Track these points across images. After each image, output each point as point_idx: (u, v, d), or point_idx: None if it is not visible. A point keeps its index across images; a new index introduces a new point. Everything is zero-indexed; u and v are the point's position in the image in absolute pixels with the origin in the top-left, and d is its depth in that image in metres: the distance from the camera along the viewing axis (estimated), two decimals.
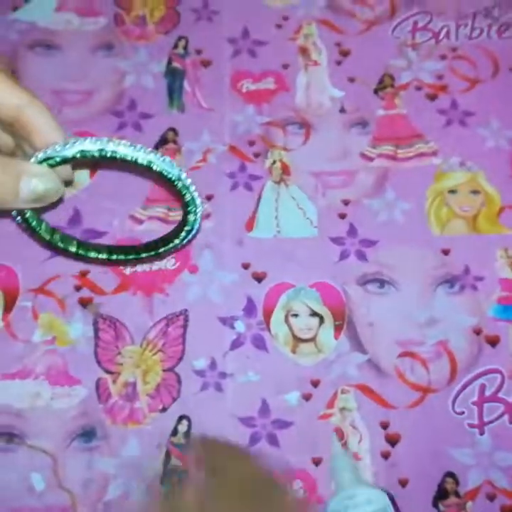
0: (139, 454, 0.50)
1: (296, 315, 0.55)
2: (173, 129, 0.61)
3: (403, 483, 0.50)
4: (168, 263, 0.56)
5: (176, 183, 0.39)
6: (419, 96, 0.63)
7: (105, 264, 0.55)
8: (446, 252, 0.57)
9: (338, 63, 0.65)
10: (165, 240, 0.45)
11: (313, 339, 0.54)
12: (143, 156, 0.37)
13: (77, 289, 0.55)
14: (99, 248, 0.46)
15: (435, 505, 0.50)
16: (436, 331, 0.54)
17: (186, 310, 0.55)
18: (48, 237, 0.43)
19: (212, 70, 0.64)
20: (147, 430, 0.51)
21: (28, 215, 0.40)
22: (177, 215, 0.57)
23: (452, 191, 0.59)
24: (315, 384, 0.53)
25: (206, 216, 0.57)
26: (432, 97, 0.63)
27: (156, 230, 0.56)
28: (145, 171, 0.38)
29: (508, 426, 0.52)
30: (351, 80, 0.64)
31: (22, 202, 0.37)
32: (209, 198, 0.58)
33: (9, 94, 0.37)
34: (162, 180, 0.38)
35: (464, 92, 0.63)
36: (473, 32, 0.67)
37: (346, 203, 0.59)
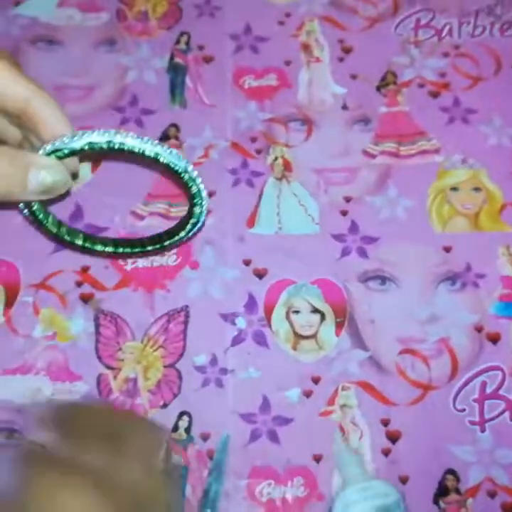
0: None
1: (297, 311, 0.55)
2: (175, 125, 0.61)
3: (404, 480, 0.50)
4: (170, 259, 0.56)
5: (182, 175, 0.39)
6: (421, 93, 0.63)
7: (111, 257, 0.55)
8: (447, 250, 0.57)
9: (341, 60, 0.65)
10: (170, 232, 0.45)
11: (314, 336, 0.54)
12: (150, 148, 0.37)
13: (78, 284, 0.55)
14: (105, 241, 0.46)
15: (436, 502, 0.49)
16: (438, 328, 0.54)
17: (187, 306, 0.55)
18: (54, 230, 0.43)
19: (215, 66, 0.64)
20: None
21: (35, 207, 0.40)
22: (178, 211, 0.57)
23: (454, 189, 0.59)
24: (316, 381, 0.53)
25: (208, 212, 0.57)
26: (435, 95, 0.63)
27: (157, 226, 0.56)
28: (152, 163, 0.38)
29: (509, 423, 0.52)
30: (353, 76, 0.64)
31: (30, 194, 0.37)
32: (210, 194, 0.58)
33: (16, 87, 0.37)
34: (169, 172, 0.38)
35: (466, 89, 0.63)
36: (476, 30, 0.66)
37: (348, 199, 0.59)
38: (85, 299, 0.55)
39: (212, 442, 0.51)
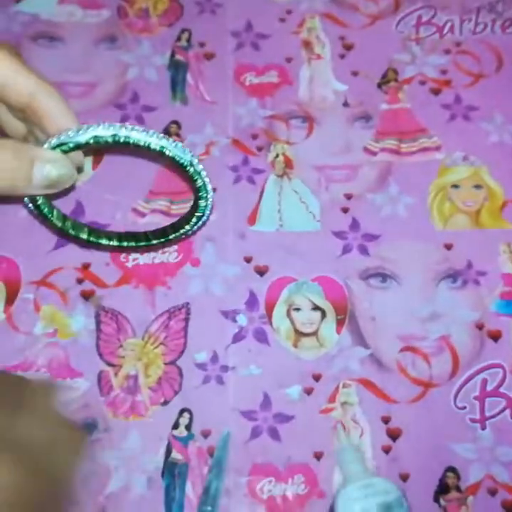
0: (140, 446, 0.50)
1: (298, 309, 0.55)
2: (176, 122, 0.61)
3: (404, 477, 0.50)
4: (171, 256, 0.56)
5: (187, 168, 0.39)
6: (422, 90, 0.63)
7: (116, 251, 0.55)
8: (448, 247, 0.57)
9: (342, 57, 0.65)
10: (175, 226, 0.45)
11: (315, 333, 0.54)
12: (155, 141, 0.37)
13: (79, 281, 0.55)
14: (110, 235, 0.46)
15: (436, 499, 0.50)
16: (439, 325, 0.54)
17: (188, 303, 0.55)
18: (59, 224, 0.43)
19: (216, 62, 0.64)
20: (149, 423, 0.51)
21: (40, 201, 0.40)
22: (179, 209, 0.57)
23: (455, 186, 0.59)
24: (317, 378, 0.53)
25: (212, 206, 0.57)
26: (436, 92, 0.63)
27: (159, 223, 0.56)
28: (157, 156, 0.37)
29: (509, 421, 0.52)
30: (355, 73, 0.64)
31: (35, 188, 0.36)
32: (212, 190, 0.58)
33: (21, 80, 0.37)
34: (174, 165, 0.38)
35: (467, 86, 0.63)
36: (477, 27, 0.66)
37: (349, 197, 0.58)
38: (86, 296, 0.55)
39: (212, 439, 0.51)
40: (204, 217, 0.43)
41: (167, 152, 0.38)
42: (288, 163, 0.60)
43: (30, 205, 0.40)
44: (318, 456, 0.50)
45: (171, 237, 0.46)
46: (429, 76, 0.64)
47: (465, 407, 0.52)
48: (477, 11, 0.67)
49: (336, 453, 0.50)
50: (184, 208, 0.57)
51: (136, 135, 0.37)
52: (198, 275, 0.56)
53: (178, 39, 0.65)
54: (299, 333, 0.54)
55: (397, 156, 0.60)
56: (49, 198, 0.41)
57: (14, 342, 0.53)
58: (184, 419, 0.51)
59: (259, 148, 0.60)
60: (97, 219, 0.57)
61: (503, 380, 0.53)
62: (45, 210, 0.41)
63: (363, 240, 0.57)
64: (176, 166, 0.39)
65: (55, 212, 0.42)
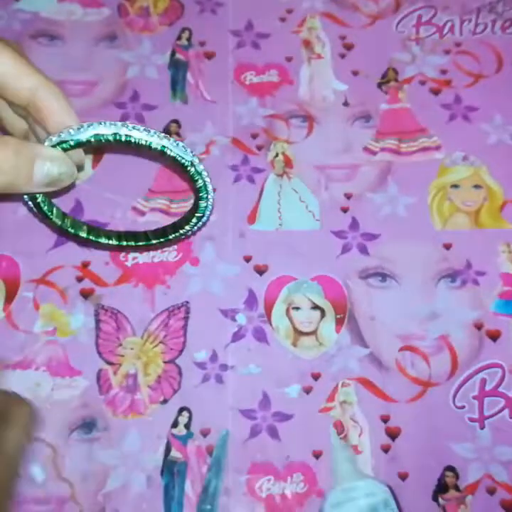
0: (139, 445, 0.50)
1: (297, 308, 0.55)
2: (176, 121, 0.61)
3: (403, 476, 0.50)
4: (170, 255, 0.56)
5: (188, 168, 0.39)
6: (423, 90, 0.63)
7: (115, 250, 0.55)
8: (448, 247, 0.57)
9: (342, 56, 0.65)
10: (175, 226, 0.45)
11: (314, 332, 0.54)
12: (157, 140, 0.37)
13: (79, 280, 0.55)
14: (109, 234, 0.46)
15: (435, 499, 0.50)
16: (438, 325, 0.54)
17: (188, 302, 0.55)
18: (59, 222, 0.43)
19: (216, 61, 0.64)
20: (148, 422, 0.51)
21: (39, 199, 0.40)
22: (179, 207, 0.57)
23: (455, 186, 0.59)
24: (316, 377, 0.53)
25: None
26: (436, 92, 0.63)
27: (158, 222, 0.56)
28: (158, 155, 0.37)
29: (508, 420, 0.52)
30: (355, 73, 0.64)
31: (35, 186, 0.36)
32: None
33: (22, 77, 0.37)
34: (175, 165, 0.38)
35: (467, 86, 0.63)
36: (478, 27, 0.66)
37: (349, 196, 0.59)
38: (86, 294, 0.55)
39: (212, 438, 0.51)
40: (204, 218, 0.43)
41: (168, 152, 0.38)
42: (288, 163, 0.60)
43: (30, 202, 0.40)
44: (317, 454, 0.50)
45: (170, 237, 0.46)
46: (429, 76, 0.64)
47: (464, 407, 0.52)
48: (477, 12, 0.67)
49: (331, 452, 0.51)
50: (184, 206, 0.57)
51: (137, 134, 0.37)
52: (197, 274, 0.56)
53: (179, 38, 0.65)
54: (298, 332, 0.54)
55: (397, 156, 0.60)
56: (49, 195, 0.41)
57: (14, 340, 0.53)
58: (183, 418, 0.51)
59: (259, 148, 0.60)
60: (97, 217, 0.57)
61: (502, 379, 0.53)
62: (45, 208, 0.41)
63: (362, 240, 0.57)
64: (177, 166, 0.39)
65: (54, 211, 0.42)
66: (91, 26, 0.65)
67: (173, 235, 0.45)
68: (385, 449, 0.51)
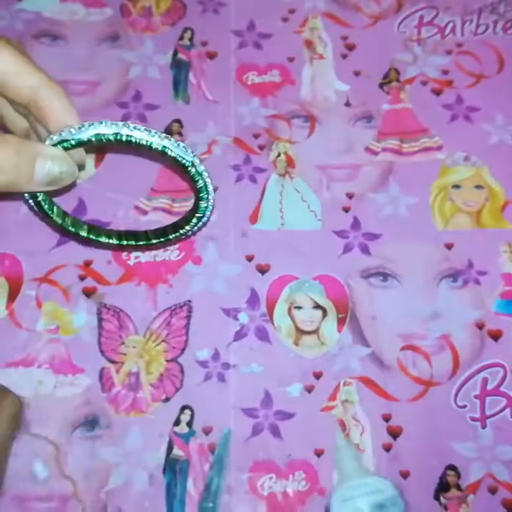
0: (141, 443, 0.51)
1: (299, 307, 0.55)
2: (178, 121, 0.61)
3: (405, 475, 0.50)
4: (172, 254, 0.56)
5: (189, 169, 0.39)
6: (424, 91, 0.63)
7: (115, 250, 0.55)
8: (449, 247, 0.57)
9: (344, 57, 0.65)
10: (176, 226, 0.45)
11: (316, 331, 0.54)
12: (158, 141, 0.37)
13: (82, 278, 0.55)
14: (109, 233, 0.46)
15: (436, 497, 0.50)
16: (439, 324, 0.54)
17: (190, 301, 0.55)
18: (60, 221, 0.43)
19: (218, 62, 0.64)
20: (150, 420, 0.51)
21: (40, 198, 0.40)
22: (181, 207, 0.57)
23: (456, 186, 0.59)
24: (317, 376, 0.53)
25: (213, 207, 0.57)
26: (438, 92, 0.63)
27: (160, 221, 0.56)
28: (159, 156, 0.37)
29: (509, 419, 0.52)
30: (357, 73, 0.64)
31: (36, 184, 0.36)
32: (213, 190, 0.58)
33: (24, 75, 0.37)
34: (175, 165, 0.38)
35: (469, 87, 0.64)
36: (479, 28, 0.67)
37: (350, 196, 0.59)
38: (88, 293, 0.55)
39: (214, 436, 0.51)
40: (204, 218, 0.43)
41: (169, 152, 0.38)
42: (290, 163, 0.60)
43: (31, 201, 0.40)
44: (318, 453, 0.51)
45: (171, 237, 0.46)
46: (431, 76, 0.64)
47: (465, 406, 0.52)
48: (479, 12, 0.67)
49: (334, 450, 0.51)
50: (186, 205, 0.57)
51: (138, 134, 0.37)
52: (199, 273, 0.56)
53: (181, 38, 0.65)
54: (300, 332, 0.54)
55: (398, 156, 0.60)
56: (50, 194, 0.41)
57: (16, 338, 0.53)
58: (185, 416, 0.51)
59: (261, 147, 0.61)
60: (100, 216, 0.57)
61: (504, 379, 0.53)
62: (46, 206, 0.41)
63: (364, 239, 0.57)
64: (178, 167, 0.39)
65: (55, 209, 0.43)
66: (93, 26, 0.66)
67: (174, 235, 0.46)
68: (387, 448, 0.51)
